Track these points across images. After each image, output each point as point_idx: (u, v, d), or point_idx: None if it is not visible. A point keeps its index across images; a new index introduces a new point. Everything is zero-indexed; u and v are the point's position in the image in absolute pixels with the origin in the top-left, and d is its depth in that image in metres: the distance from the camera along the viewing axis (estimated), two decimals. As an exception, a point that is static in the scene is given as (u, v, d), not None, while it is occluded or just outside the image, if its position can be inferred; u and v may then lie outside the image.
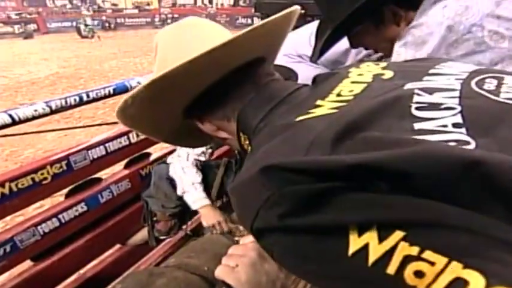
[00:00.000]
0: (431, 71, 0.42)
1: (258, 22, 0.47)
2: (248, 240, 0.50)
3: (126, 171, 1.54)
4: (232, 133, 0.52)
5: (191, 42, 0.51)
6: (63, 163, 1.25)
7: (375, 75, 0.43)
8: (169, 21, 20.30)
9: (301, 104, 0.42)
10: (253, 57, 0.51)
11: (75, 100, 1.23)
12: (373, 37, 0.85)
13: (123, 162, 1.56)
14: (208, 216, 1.39)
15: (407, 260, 0.24)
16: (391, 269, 0.25)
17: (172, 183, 1.45)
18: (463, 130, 0.31)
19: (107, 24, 18.76)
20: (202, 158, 1.45)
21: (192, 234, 1.62)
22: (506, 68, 0.68)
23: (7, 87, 6.94)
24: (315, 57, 0.97)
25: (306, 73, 1.07)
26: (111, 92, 1.35)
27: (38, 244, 1.24)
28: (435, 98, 0.36)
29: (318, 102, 0.40)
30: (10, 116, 1.05)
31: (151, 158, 1.63)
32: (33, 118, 1.11)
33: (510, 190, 0.24)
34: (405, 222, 0.26)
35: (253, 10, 10.40)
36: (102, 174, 1.47)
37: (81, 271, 1.48)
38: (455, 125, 0.31)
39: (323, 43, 0.86)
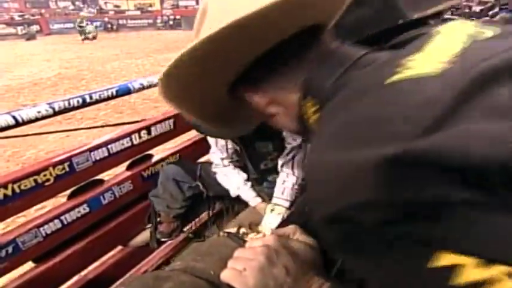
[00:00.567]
0: None
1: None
2: (256, 243, 0.49)
3: (128, 173, 1.54)
4: (288, 105, 0.47)
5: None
6: (66, 164, 1.25)
7: (471, 35, 0.37)
8: (171, 22, 20.39)
9: (386, 64, 0.36)
10: (313, 23, 0.46)
11: (78, 102, 1.22)
12: None
13: (126, 164, 1.56)
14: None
15: None
16: None
17: (178, 184, 1.44)
18: None
19: (109, 26, 18.86)
20: (236, 158, 1.42)
21: (193, 236, 1.62)
22: None
23: (9, 88, 6.97)
24: None
25: None
26: (114, 93, 1.35)
27: (40, 245, 1.24)
28: None
29: (409, 63, 0.33)
30: (13, 117, 1.05)
31: (154, 159, 1.63)
32: (36, 120, 1.11)
33: None
34: None
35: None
36: (104, 175, 1.47)
37: (83, 273, 1.48)
38: None
39: None
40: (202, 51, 0.40)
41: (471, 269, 0.23)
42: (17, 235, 1.17)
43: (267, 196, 1.37)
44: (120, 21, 19.88)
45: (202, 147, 1.69)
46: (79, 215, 1.34)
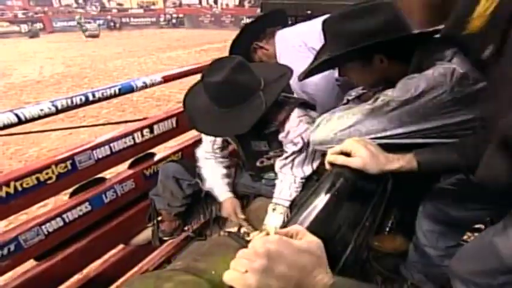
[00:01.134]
0: None
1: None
2: (258, 244, 0.49)
3: (130, 171, 1.54)
4: None
5: None
6: (68, 163, 1.25)
7: None
8: (174, 21, 20.40)
9: None
10: None
11: (80, 100, 1.22)
12: (357, 73, 1.06)
13: (128, 162, 1.56)
14: (225, 207, 1.39)
15: None
16: None
17: (178, 182, 1.45)
18: None
19: (112, 24, 18.89)
20: (220, 154, 1.47)
21: (194, 235, 1.62)
22: None
23: (12, 86, 7.00)
24: (301, 77, 1.11)
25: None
26: (117, 91, 1.34)
27: (41, 243, 1.24)
28: None
29: None
30: (16, 115, 1.05)
31: (156, 158, 1.63)
32: (39, 117, 1.11)
33: None
34: None
35: (258, 10, 10.43)
36: (107, 174, 1.47)
37: (85, 271, 1.49)
38: None
39: (315, 66, 1.04)
40: None
41: None
42: (19, 233, 1.17)
43: (266, 192, 1.40)
44: (123, 20, 19.91)
45: (204, 146, 1.68)
46: (81, 213, 1.34)
